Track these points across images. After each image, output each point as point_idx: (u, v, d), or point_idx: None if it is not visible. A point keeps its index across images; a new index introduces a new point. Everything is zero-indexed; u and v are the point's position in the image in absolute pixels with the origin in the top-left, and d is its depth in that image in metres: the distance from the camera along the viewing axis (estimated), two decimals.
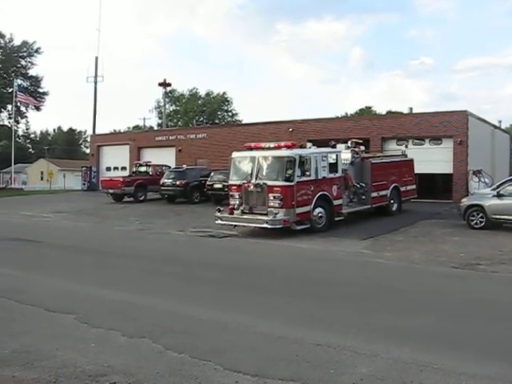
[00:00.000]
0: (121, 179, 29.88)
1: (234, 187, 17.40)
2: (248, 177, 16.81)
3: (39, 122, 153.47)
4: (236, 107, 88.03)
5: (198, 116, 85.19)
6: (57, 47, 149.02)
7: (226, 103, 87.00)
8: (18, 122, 59.91)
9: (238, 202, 17.05)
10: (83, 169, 41.87)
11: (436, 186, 28.96)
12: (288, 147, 17.13)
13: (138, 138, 40.07)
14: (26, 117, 71.28)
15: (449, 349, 5.82)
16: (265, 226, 16.13)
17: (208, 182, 26.59)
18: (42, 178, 70.91)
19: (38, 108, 65.39)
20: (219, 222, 17.13)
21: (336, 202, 17.81)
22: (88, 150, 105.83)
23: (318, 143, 20.01)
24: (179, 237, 16.52)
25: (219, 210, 17.32)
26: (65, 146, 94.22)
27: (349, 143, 20.77)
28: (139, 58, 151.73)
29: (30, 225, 20.16)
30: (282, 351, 5.73)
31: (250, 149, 17.81)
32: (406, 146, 24.28)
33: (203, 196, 27.45)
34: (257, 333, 6.42)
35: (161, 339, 6.03)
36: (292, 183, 16.38)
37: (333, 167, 17.94)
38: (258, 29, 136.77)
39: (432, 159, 26.50)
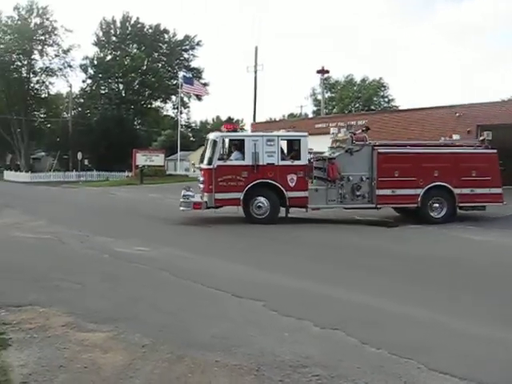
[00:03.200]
0: None
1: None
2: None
3: (199, 111, 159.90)
4: (392, 93, 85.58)
5: (353, 102, 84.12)
6: (217, 38, 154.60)
7: (382, 89, 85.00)
8: (181, 112, 62.91)
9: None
10: None
11: None
12: (228, 129, 16.93)
13: (297, 126, 40.19)
14: (188, 107, 74.81)
15: None
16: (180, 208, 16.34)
17: None
18: None
19: (199, 98, 68.32)
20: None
21: (292, 194, 16.07)
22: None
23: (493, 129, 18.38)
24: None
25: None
26: None
27: (341, 131, 18.54)
28: (293, 47, 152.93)
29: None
30: (491, 354, 5.29)
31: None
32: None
33: None
34: (452, 330, 6.01)
35: (354, 332, 5.81)
36: (210, 166, 15.90)
37: (291, 153, 16.66)
38: (414, 8, 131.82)
39: None
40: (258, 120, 48.51)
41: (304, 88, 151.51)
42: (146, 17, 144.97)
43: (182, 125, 57.13)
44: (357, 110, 73.42)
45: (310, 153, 21.58)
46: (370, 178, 16.63)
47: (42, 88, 69.07)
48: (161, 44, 73.91)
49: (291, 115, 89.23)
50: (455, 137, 18.12)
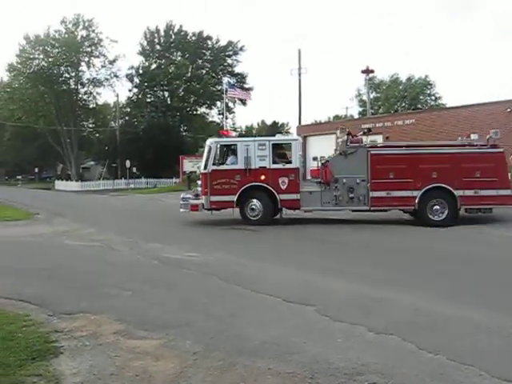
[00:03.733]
0: None
1: None
2: None
3: (244, 116, 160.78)
4: (439, 90, 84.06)
5: (399, 102, 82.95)
6: (259, 43, 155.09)
7: (429, 87, 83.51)
8: (226, 118, 63.17)
9: None
10: None
11: None
12: (224, 135, 18.61)
13: (344, 127, 39.99)
14: (233, 112, 75.07)
15: None
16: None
17: None
18: None
19: (244, 103, 68.45)
20: None
21: (284, 197, 16.57)
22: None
23: None
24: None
25: None
26: None
27: (338, 131, 18.13)
28: (336, 48, 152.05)
29: None
30: None
31: None
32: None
33: None
34: None
35: (410, 337, 5.62)
36: (205, 171, 16.91)
37: (283, 156, 17.18)
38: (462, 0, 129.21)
39: None
40: (303, 123, 48.25)
41: (349, 89, 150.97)
42: (189, 24, 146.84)
43: (227, 130, 57.26)
44: (403, 110, 72.35)
45: None
46: (365, 180, 16.35)
47: (90, 98, 70.51)
48: (204, 51, 74.40)
49: (336, 117, 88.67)
50: (473, 136, 17.09)
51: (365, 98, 72.10)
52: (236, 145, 17.20)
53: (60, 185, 58.51)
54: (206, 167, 16.99)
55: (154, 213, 21.63)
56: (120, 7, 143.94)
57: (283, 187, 16.61)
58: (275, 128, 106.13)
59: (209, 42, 73.99)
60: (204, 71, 73.73)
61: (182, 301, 7.42)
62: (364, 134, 18.40)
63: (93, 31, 64.14)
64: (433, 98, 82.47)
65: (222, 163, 17.02)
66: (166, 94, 71.88)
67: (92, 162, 77.08)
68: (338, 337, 5.74)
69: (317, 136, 42.38)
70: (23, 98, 62.73)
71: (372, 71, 56.15)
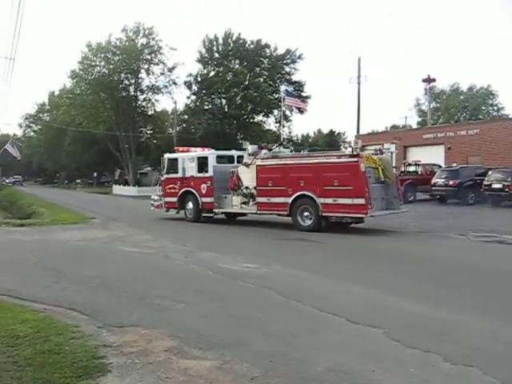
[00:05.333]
0: None
1: None
2: None
3: (300, 125, 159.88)
4: (501, 100, 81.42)
5: (459, 112, 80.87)
6: (317, 51, 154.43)
7: (491, 97, 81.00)
8: (283, 126, 62.75)
9: None
10: None
11: None
12: (177, 150, 22.93)
13: (404, 137, 38.97)
14: (290, 120, 74.68)
15: None
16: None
17: (485, 182, 24.51)
18: None
19: (301, 111, 67.90)
20: None
21: (204, 200, 20.53)
22: (347, 151, 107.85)
23: None
24: (463, 241, 15.05)
25: None
26: (325, 148, 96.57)
27: (249, 147, 19.93)
28: (395, 57, 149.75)
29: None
30: None
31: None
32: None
33: (478, 197, 25.45)
34: None
35: (492, 370, 4.93)
36: (162, 178, 22.52)
37: (203, 168, 20.59)
38: None
39: None
40: (361, 132, 47.35)
41: (407, 99, 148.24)
42: (248, 32, 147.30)
43: (284, 138, 56.76)
44: (464, 120, 70.40)
45: (417, 164, 22.58)
46: (255, 188, 18.68)
47: (149, 105, 71.46)
48: (262, 59, 74.30)
49: (394, 126, 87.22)
50: (386, 146, 17.77)
51: (424, 107, 70.58)
52: (177, 159, 21.77)
53: (118, 189, 59.24)
54: (162, 175, 22.49)
55: (210, 220, 21.30)
56: (179, 16, 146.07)
57: (203, 192, 20.46)
58: (332, 137, 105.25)
59: (267, 50, 73.91)
60: (261, 79, 73.57)
61: (237, 316, 6.95)
62: (278, 146, 20.79)
63: (153, 39, 64.89)
64: (495, 108, 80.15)
65: (171, 172, 21.77)
66: (224, 101, 72.05)
67: (149, 168, 77.91)
68: (411, 366, 5.14)
69: (374, 146, 41.48)
70: (84, 104, 63.99)
71: (433, 80, 55.00)
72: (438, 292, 8.45)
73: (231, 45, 72.03)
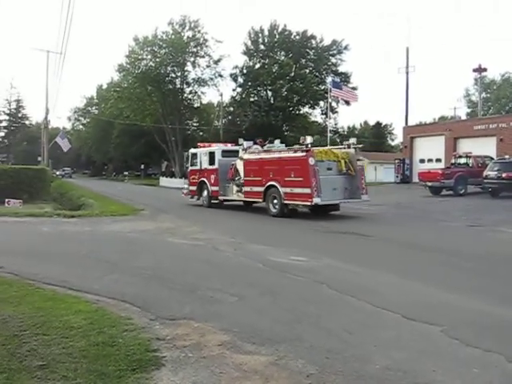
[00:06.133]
0: (440, 171, 28.67)
1: None
2: None
3: (346, 117, 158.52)
4: None
5: (511, 102, 78.75)
6: (364, 41, 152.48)
7: None
8: (329, 118, 62.24)
9: None
10: (396, 161, 41.56)
11: None
12: (204, 147, 26.30)
13: (454, 128, 38.09)
14: (336, 112, 74.08)
15: None
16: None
17: None
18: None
19: (348, 103, 67.22)
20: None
21: (212, 188, 23.93)
22: (393, 143, 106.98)
23: None
24: None
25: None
26: (372, 139, 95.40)
27: (244, 143, 22.32)
28: (443, 47, 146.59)
29: (364, 217, 19.94)
30: None
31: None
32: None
33: None
34: None
35: None
36: (188, 170, 26.44)
37: (213, 161, 23.91)
38: None
39: None
40: (409, 123, 46.47)
41: (456, 89, 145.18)
42: (294, 24, 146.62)
43: (330, 130, 56.24)
44: None
45: (468, 156, 24.04)
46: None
47: (195, 98, 72.08)
48: (308, 50, 73.92)
49: (442, 118, 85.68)
50: (309, 139, 19.14)
51: (473, 98, 68.94)
52: (197, 153, 25.57)
53: (165, 181, 59.92)
54: (187, 168, 26.54)
55: (257, 211, 21.26)
56: (225, 8, 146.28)
57: (212, 181, 23.86)
58: (378, 129, 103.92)
59: (313, 42, 73.56)
60: (307, 71, 73.21)
61: (290, 311, 6.83)
62: (270, 142, 23.15)
63: (198, 32, 65.28)
64: None
65: (193, 165, 25.58)
66: (270, 93, 72.03)
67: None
68: (472, 366, 4.94)
69: (423, 137, 40.77)
70: (131, 97, 64.89)
71: (485, 69, 53.59)
72: (497, 288, 8.17)
73: (277, 36, 71.86)
